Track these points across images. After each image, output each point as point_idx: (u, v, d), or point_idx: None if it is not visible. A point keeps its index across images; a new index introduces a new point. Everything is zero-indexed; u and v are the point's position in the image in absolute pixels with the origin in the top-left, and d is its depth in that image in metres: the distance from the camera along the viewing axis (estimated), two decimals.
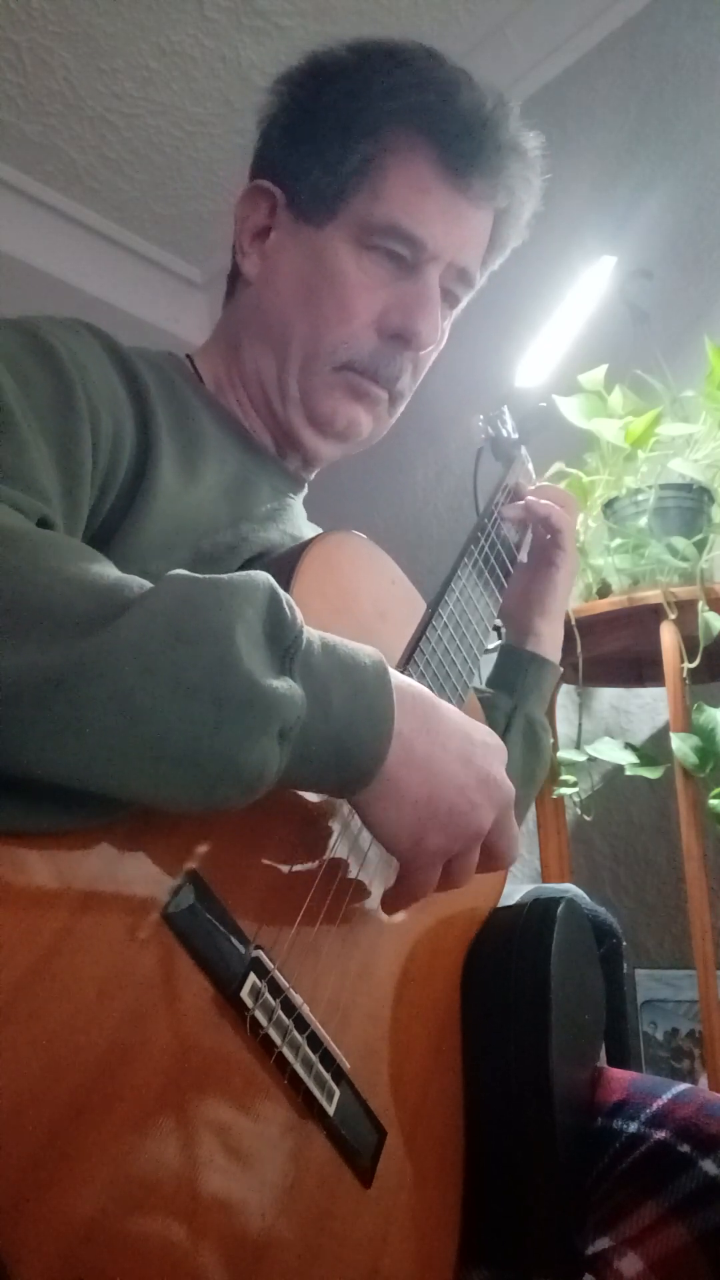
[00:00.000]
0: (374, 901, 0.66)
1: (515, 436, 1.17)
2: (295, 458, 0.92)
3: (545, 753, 1.02)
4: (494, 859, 0.64)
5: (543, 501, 1.04)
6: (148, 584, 0.51)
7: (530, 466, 1.17)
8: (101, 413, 0.70)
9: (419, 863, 0.60)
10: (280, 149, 0.87)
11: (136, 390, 0.75)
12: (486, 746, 0.63)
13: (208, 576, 0.52)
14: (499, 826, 0.63)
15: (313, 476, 0.96)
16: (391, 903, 0.64)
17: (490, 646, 1.13)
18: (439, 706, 0.62)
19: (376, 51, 0.85)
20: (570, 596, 1.44)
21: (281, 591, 0.54)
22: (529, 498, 1.04)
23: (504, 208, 0.89)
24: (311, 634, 0.55)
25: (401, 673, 0.62)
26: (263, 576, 0.54)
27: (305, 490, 0.96)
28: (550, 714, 1.66)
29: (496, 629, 1.05)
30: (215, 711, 0.48)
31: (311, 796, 0.64)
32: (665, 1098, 0.72)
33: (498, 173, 0.85)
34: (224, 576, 0.52)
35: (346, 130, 0.83)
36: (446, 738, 0.60)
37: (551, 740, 1.05)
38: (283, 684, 0.51)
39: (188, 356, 0.91)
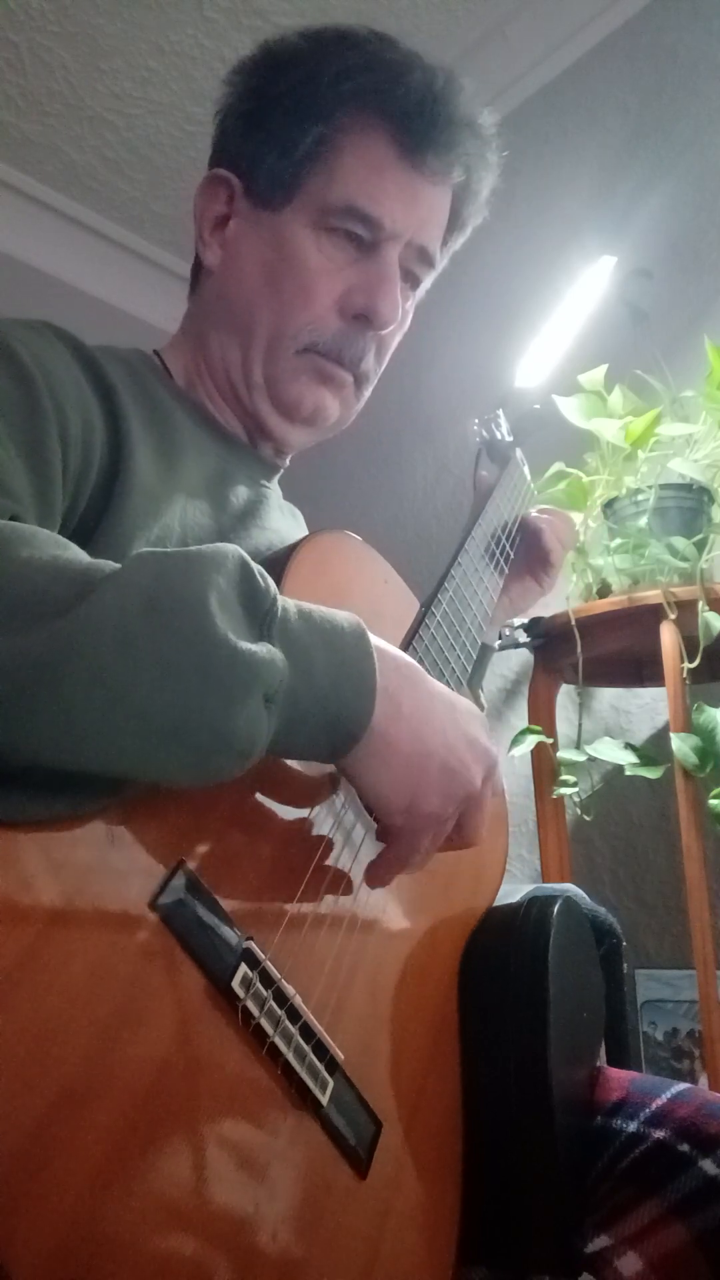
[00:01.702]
0: (367, 893, 0.65)
1: (510, 439, 1.17)
2: (267, 445, 0.92)
3: None
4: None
5: (553, 535, 1.08)
6: (119, 566, 0.51)
7: (526, 469, 1.17)
8: (68, 413, 0.70)
9: (412, 825, 0.60)
10: (236, 137, 0.87)
11: (104, 389, 0.75)
12: (470, 712, 0.64)
13: (177, 550, 0.52)
14: (487, 788, 0.63)
15: (288, 462, 0.96)
16: (377, 871, 0.63)
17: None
18: (420, 669, 0.62)
19: (328, 36, 0.85)
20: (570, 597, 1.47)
21: (252, 561, 0.54)
22: (545, 537, 1.07)
23: (461, 184, 0.89)
24: (287, 601, 0.55)
25: None
26: (231, 547, 0.54)
27: (280, 472, 0.96)
28: (550, 714, 1.66)
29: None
30: (198, 680, 0.48)
31: (303, 786, 0.63)
32: (665, 1097, 0.71)
33: (451, 148, 0.85)
34: (193, 549, 0.53)
35: (300, 114, 0.83)
36: (431, 698, 0.61)
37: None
38: (262, 649, 0.51)
39: (155, 352, 0.91)
